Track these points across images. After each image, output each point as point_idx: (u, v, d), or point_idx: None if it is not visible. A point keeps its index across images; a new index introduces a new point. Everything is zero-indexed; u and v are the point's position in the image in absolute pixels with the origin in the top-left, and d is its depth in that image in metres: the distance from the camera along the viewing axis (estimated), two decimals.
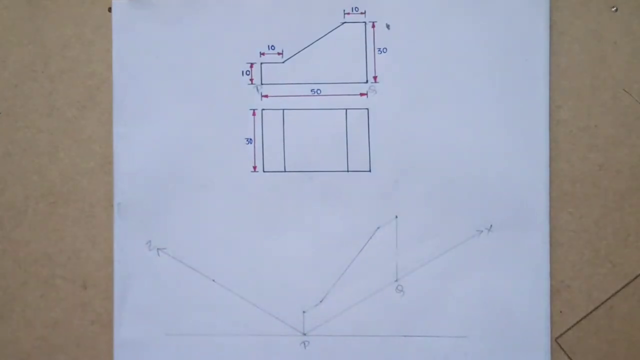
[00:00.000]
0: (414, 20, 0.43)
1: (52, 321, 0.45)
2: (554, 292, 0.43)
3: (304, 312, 0.44)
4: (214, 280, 0.44)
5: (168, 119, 0.44)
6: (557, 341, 0.43)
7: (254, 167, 0.44)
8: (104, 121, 0.44)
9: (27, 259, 0.45)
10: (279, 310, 0.44)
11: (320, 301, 0.44)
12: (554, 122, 0.43)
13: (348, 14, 0.43)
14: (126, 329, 0.44)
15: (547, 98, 0.42)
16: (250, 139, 0.44)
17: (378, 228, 0.43)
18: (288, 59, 0.43)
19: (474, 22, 0.43)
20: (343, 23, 0.43)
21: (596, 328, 0.43)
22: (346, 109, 0.43)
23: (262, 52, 0.44)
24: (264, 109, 0.44)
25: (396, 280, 0.43)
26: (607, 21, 0.43)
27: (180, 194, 0.44)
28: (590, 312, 0.43)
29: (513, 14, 0.42)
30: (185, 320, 0.44)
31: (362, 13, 0.43)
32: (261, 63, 0.44)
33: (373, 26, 0.43)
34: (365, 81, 0.43)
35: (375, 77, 0.43)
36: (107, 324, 0.44)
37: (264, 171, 0.44)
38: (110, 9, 0.44)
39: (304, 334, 0.44)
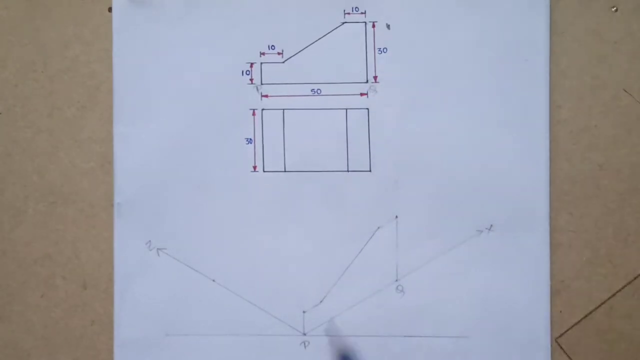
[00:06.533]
0: (414, 20, 0.43)
1: (52, 321, 0.45)
2: (554, 292, 0.43)
3: (304, 312, 0.44)
4: (214, 280, 0.44)
5: (168, 119, 0.44)
6: (557, 341, 0.43)
7: (254, 167, 0.44)
8: (104, 121, 0.44)
9: (27, 259, 0.45)
10: (279, 310, 0.44)
11: (320, 301, 0.44)
12: (554, 122, 0.43)
13: (348, 13, 0.43)
14: (126, 329, 0.44)
15: (547, 98, 0.42)
16: (250, 139, 0.44)
17: (378, 228, 0.43)
18: (288, 58, 0.44)
19: (474, 22, 0.43)
20: (343, 23, 0.43)
21: (596, 328, 0.43)
22: (346, 109, 0.43)
23: (262, 52, 0.44)
24: (264, 109, 0.44)
25: (396, 280, 0.43)
26: (607, 21, 0.43)
27: (180, 194, 0.44)
28: (590, 312, 0.43)
29: (513, 14, 0.42)
30: (185, 320, 0.44)
31: (362, 13, 0.43)
32: (261, 63, 0.44)
33: (373, 26, 0.43)
34: (365, 81, 0.43)
35: (375, 77, 0.43)
36: (107, 324, 0.44)
37: (264, 171, 0.44)
38: (110, 9, 0.44)
39: (304, 334, 0.44)
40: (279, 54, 0.44)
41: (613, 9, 0.43)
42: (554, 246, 0.43)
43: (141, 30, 0.44)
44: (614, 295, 0.43)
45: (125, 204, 0.44)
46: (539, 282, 0.43)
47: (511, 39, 0.42)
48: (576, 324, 0.43)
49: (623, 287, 0.43)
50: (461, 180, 0.43)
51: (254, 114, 0.44)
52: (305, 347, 0.44)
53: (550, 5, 0.42)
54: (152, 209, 0.44)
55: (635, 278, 0.43)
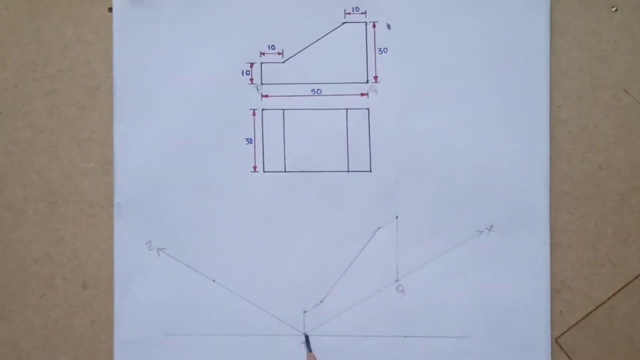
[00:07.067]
0: (415, 20, 0.43)
1: (52, 321, 0.45)
2: (554, 292, 0.43)
3: (304, 312, 0.44)
4: (214, 280, 0.44)
5: (168, 119, 0.44)
6: (557, 341, 0.43)
7: (254, 167, 0.44)
8: (104, 121, 0.44)
9: (27, 259, 0.45)
10: (279, 310, 0.44)
11: (321, 301, 0.44)
12: (554, 122, 0.43)
13: (349, 13, 0.43)
14: (126, 329, 0.44)
15: (547, 98, 0.42)
16: (251, 139, 0.44)
17: (378, 228, 0.43)
18: (288, 58, 0.43)
19: (474, 22, 0.43)
20: (344, 23, 0.43)
21: (596, 328, 0.43)
22: (347, 109, 0.43)
23: (262, 52, 0.44)
24: (264, 109, 0.44)
25: (396, 281, 0.43)
26: (607, 21, 0.43)
27: (180, 194, 0.44)
28: (590, 312, 0.43)
29: (513, 14, 0.42)
30: (185, 320, 0.44)
31: (362, 13, 0.43)
32: (261, 63, 0.44)
33: (374, 26, 0.43)
34: (365, 81, 0.43)
35: (375, 77, 0.43)
36: (107, 324, 0.44)
37: (264, 171, 0.44)
38: (110, 9, 0.44)
39: (304, 334, 0.44)
40: (279, 54, 0.44)
41: (613, 9, 0.43)
42: (554, 246, 0.43)
43: (141, 30, 0.44)
44: (614, 295, 0.43)
45: (125, 204, 0.44)
46: (539, 282, 0.43)
47: (511, 39, 0.42)
48: (576, 324, 0.43)
49: (623, 287, 0.43)
50: (461, 181, 0.43)
51: (254, 114, 0.44)
52: (305, 347, 0.44)
53: (550, 5, 0.42)
54: (152, 209, 0.44)
55: (635, 278, 0.43)
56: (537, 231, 0.43)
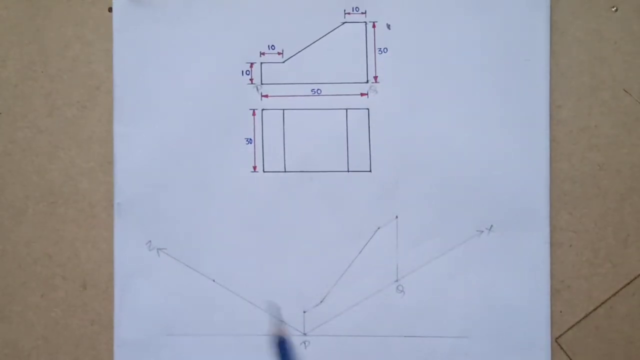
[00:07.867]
0: (415, 20, 0.43)
1: (52, 321, 0.45)
2: (554, 292, 0.43)
3: (304, 312, 0.44)
4: (214, 280, 0.44)
5: (168, 119, 0.44)
6: (557, 341, 0.43)
7: (254, 167, 0.44)
8: (104, 121, 0.44)
9: (27, 259, 0.45)
10: (279, 310, 0.44)
11: (321, 301, 0.44)
12: (554, 122, 0.43)
13: (348, 13, 0.43)
14: (126, 329, 0.44)
15: (547, 98, 0.42)
16: (250, 139, 0.44)
17: (378, 228, 0.43)
18: (288, 58, 0.43)
19: (474, 22, 0.43)
20: (343, 23, 0.43)
21: (596, 328, 0.43)
22: (346, 109, 0.43)
23: (262, 52, 0.44)
24: (264, 109, 0.44)
25: (396, 281, 0.43)
26: (607, 21, 0.43)
27: (180, 194, 0.44)
28: (590, 312, 0.43)
29: (513, 14, 0.42)
30: (185, 320, 0.44)
31: (362, 13, 0.43)
32: (261, 63, 0.44)
33: (374, 26, 0.43)
34: (365, 81, 0.43)
35: (375, 77, 0.43)
36: (107, 324, 0.44)
37: (264, 171, 0.44)
38: (110, 9, 0.44)
39: (305, 334, 0.44)
40: (279, 54, 0.44)
41: (613, 9, 0.43)
42: (554, 246, 0.43)
43: (141, 30, 0.44)
44: (614, 295, 0.43)
45: (125, 204, 0.44)
46: (539, 282, 0.43)
47: (511, 39, 0.42)
48: (576, 324, 0.43)
49: (623, 287, 0.43)
50: (461, 180, 0.43)
51: (254, 114, 0.44)
52: (305, 347, 0.44)
53: (550, 5, 0.42)
54: (152, 209, 0.44)
55: (635, 278, 0.43)
56: (537, 231, 0.43)
